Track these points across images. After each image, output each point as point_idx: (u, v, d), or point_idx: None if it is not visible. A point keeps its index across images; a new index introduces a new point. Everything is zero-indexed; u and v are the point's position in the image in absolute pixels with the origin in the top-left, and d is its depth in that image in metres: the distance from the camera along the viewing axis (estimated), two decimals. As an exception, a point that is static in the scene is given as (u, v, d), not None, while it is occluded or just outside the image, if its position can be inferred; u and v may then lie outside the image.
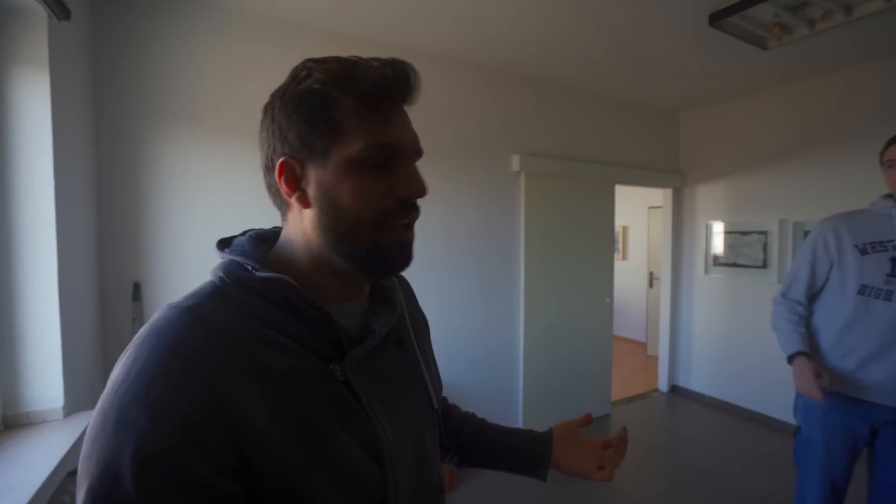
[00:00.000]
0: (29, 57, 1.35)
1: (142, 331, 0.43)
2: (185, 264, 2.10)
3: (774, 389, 3.37)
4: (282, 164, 0.50)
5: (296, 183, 0.50)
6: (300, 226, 0.51)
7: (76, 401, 1.54)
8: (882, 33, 2.49)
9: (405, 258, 0.52)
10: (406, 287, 0.73)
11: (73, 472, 1.35)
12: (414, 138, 0.53)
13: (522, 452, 0.75)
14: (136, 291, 2.02)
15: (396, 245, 0.51)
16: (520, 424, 3.17)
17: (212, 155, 2.16)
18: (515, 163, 3.06)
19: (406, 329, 0.62)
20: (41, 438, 1.34)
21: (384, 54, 0.52)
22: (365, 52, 0.54)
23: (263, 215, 1.73)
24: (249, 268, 0.49)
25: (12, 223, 1.35)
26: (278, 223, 0.58)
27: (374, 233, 0.49)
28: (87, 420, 1.47)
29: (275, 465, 0.41)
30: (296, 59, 0.53)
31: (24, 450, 1.27)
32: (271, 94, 0.52)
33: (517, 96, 3.12)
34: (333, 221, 0.49)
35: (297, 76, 0.50)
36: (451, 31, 2.48)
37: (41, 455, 1.24)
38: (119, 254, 1.99)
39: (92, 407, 1.57)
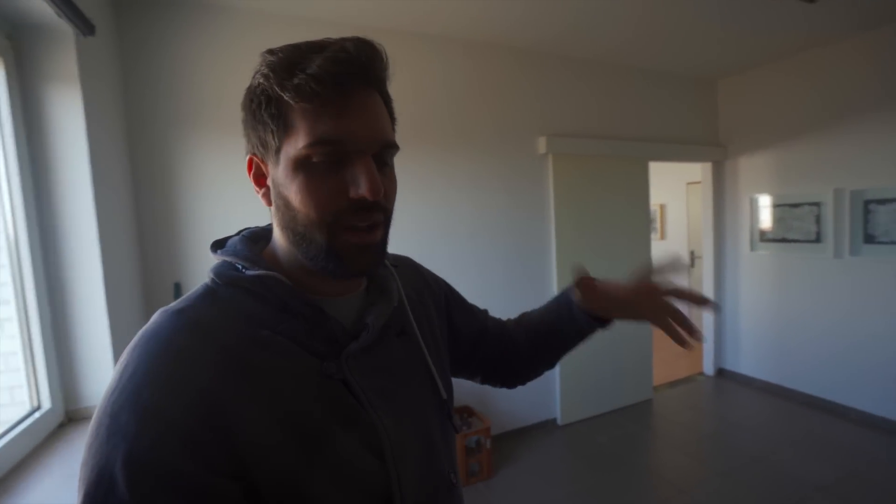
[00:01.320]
0: (60, 74, 1.41)
1: (135, 336, 0.43)
2: (221, 264, 2.17)
3: (832, 370, 3.16)
4: (249, 161, 0.50)
5: (263, 180, 0.49)
6: (273, 223, 0.51)
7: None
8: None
9: (367, 261, 0.48)
10: (409, 271, 0.69)
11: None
12: (373, 128, 0.46)
13: (557, 315, 0.77)
14: (177, 291, 2.12)
15: (354, 248, 0.47)
16: (557, 412, 3.13)
17: (243, 156, 2.21)
18: (542, 145, 2.97)
19: (407, 318, 0.59)
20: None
21: (406, 43, 0.48)
22: (388, 43, 0.50)
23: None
24: (240, 267, 0.49)
25: (59, 233, 1.43)
26: None
27: (328, 235, 0.46)
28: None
29: (271, 467, 0.40)
30: None
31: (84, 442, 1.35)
32: None
33: (541, 76, 3.01)
34: (288, 220, 0.47)
35: (254, 70, 0.47)
36: (470, 14, 2.42)
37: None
38: (160, 256, 2.09)
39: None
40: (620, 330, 3.30)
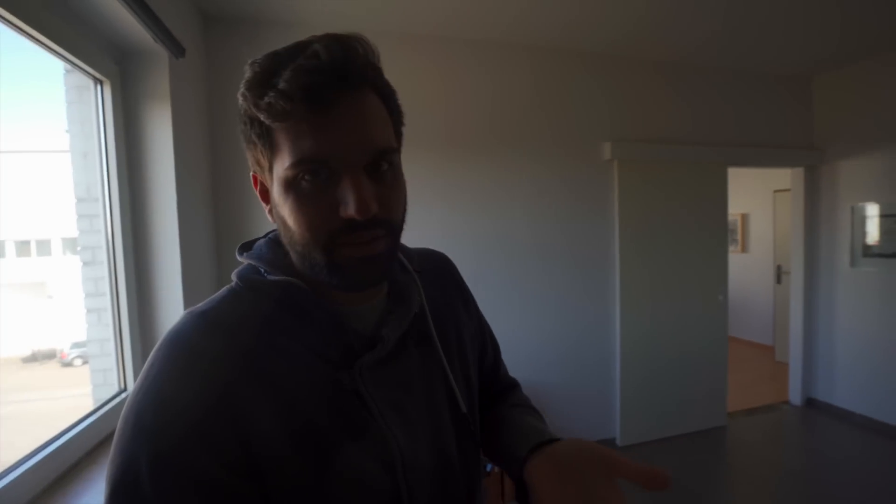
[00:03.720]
0: (154, 93, 1.58)
1: (161, 337, 0.45)
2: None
3: (955, 411, 2.70)
4: (253, 178, 0.50)
5: (267, 196, 0.48)
6: None
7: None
8: None
9: (372, 273, 0.46)
10: (436, 275, 0.63)
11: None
12: (360, 139, 0.42)
13: (507, 456, 0.55)
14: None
15: (356, 262, 0.44)
16: (617, 431, 2.96)
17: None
18: (607, 151, 2.84)
19: (428, 326, 0.55)
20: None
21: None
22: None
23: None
24: (262, 271, 0.48)
25: (147, 234, 1.60)
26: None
27: (327, 253, 0.44)
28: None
29: (281, 475, 0.41)
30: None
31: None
32: None
33: (606, 80, 2.89)
34: (288, 239, 0.46)
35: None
36: (533, 19, 2.38)
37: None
38: (233, 258, 2.26)
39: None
40: (691, 343, 3.07)
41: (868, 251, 3.14)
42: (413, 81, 2.46)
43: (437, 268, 0.65)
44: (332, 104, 0.41)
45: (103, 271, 1.53)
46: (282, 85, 0.40)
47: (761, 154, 3.25)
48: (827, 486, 2.49)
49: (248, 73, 0.43)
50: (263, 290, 0.47)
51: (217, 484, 0.38)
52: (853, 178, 3.23)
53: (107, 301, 1.53)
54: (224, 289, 0.50)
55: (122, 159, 1.52)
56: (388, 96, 0.47)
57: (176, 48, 1.53)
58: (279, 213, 0.46)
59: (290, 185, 0.43)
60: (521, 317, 2.73)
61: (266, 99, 0.40)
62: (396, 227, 0.47)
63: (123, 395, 1.50)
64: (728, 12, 2.36)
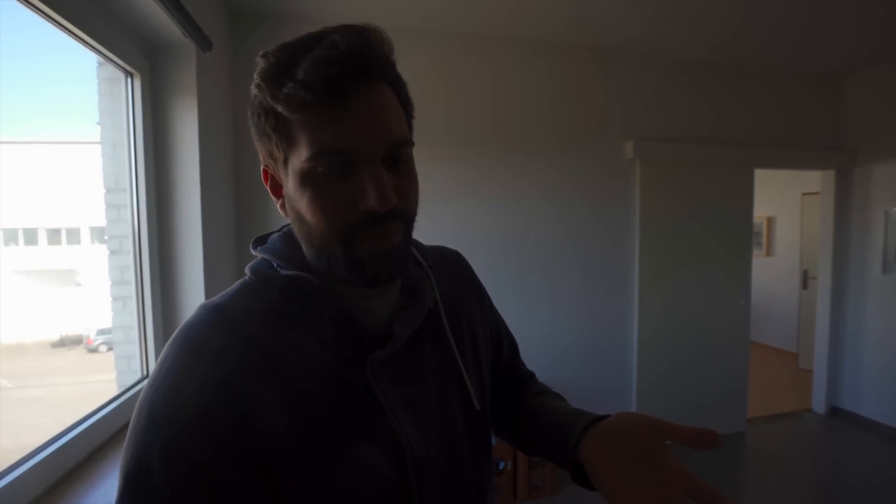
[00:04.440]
0: (182, 86, 1.60)
1: (177, 330, 0.45)
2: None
3: None
4: (264, 172, 0.49)
5: (280, 190, 0.48)
6: None
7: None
8: None
9: (390, 266, 0.45)
10: (450, 271, 0.63)
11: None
12: (379, 131, 0.42)
13: (555, 442, 0.55)
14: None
15: (374, 256, 0.44)
16: (632, 434, 2.92)
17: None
18: (629, 150, 2.79)
19: (441, 322, 0.55)
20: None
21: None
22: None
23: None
24: (276, 265, 0.48)
25: (171, 225, 1.63)
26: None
27: (344, 246, 0.43)
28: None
29: (290, 467, 0.41)
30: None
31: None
32: None
33: (628, 77, 2.83)
34: (304, 234, 0.46)
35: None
36: (557, 17, 2.35)
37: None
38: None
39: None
40: (710, 346, 3.01)
41: (901, 258, 3.02)
42: (434, 78, 2.45)
43: (451, 264, 0.65)
44: (351, 96, 0.41)
45: (129, 260, 1.56)
46: (301, 75, 0.39)
47: (789, 155, 3.15)
48: (850, 496, 2.42)
49: (262, 64, 0.42)
50: (275, 285, 0.47)
51: (225, 476, 0.38)
52: (887, 181, 3.11)
53: (132, 289, 1.57)
54: (238, 282, 0.50)
55: (149, 151, 1.55)
56: (400, 89, 0.47)
57: (204, 42, 1.55)
58: (294, 208, 0.45)
59: (307, 178, 0.42)
60: (537, 317, 2.71)
61: (285, 90, 0.39)
62: (411, 220, 0.47)
63: (145, 382, 1.54)
64: (752, 7, 2.28)
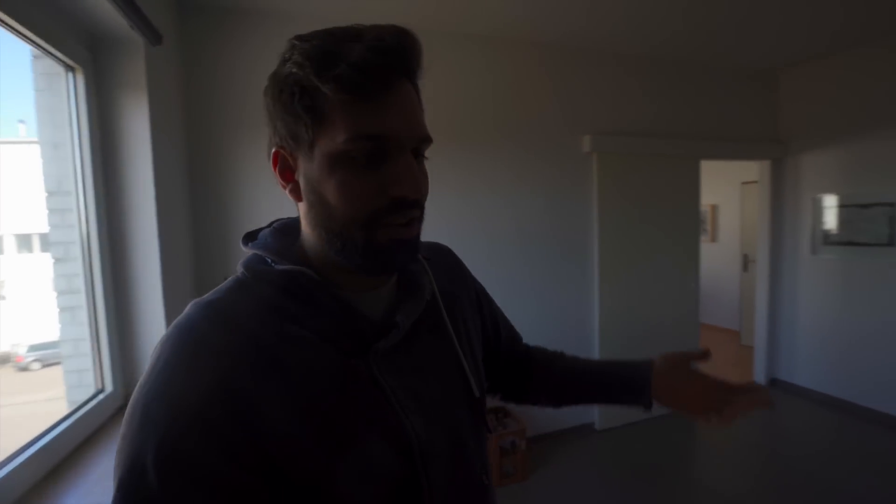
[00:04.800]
0: (130, 81, 1.51)
1: (169, 327, 0.44)
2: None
3: (904, 387, 2.91)
4: (275, 155, 0.48)
5: (291, 174, 0.47)
6: (301, 219, 0.50)
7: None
8: None
9: (405, 257, 0.47)
10: (444, 264, 0.65)
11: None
12: (412, 124, 0.45)
13: (619, 387, 0.69)
14: (229, 285, 2.23)
15: (393, 244, 0.45)
16: (596, 416, 3.06)
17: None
18: (586, 144, 2.90)
19: (439, 313, 0.57)
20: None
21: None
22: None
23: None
24: (269, 261, 0.48)
25: (124, 228, 1.54)
26: None
27: (366, 232, 0.44)
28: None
29: (298, 463, 0.40)
30: None
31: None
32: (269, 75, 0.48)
33: (582, 73, 2.93)
34: (323, 218, 0.46)
35: (282, 58, 0.45)
36: (513, 13, 2.39)
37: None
38: (213, 251, 2.21)
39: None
40: (664, 326, 3.18)
41: (828, 239, 3.32)
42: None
43: (444, 258, 0.67)
44: (393, 87, 0.43)
45: (77, 268, 1.46)
46: (356, 59, 0.40)
47: (731, 147, 3.38)
48: (787, 457, 2.65)
49: (303, 46, 0.43)
50: (271, 280, 0.47)
51: (223, 478, 0.37)
52: (814, 170, 3.40)
53: (81, 299, 1.47)
54: (230, 279, 0.49)
55: (96, 151, 1.45)
56: (419, 93, 0.49)
57: (153, 35, 1.47)
58: (316, 190, 0.45)
59: (339, 161, 0.43)
60: (505, 302, 2.75)
61: (337, 70, 0.40)
62: (423, 212, 0.49)
63: (102, 396, 1.45)
64: (700, 7, 2.42)
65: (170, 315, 1.66)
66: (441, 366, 0.55)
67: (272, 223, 0.55)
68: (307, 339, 0.44)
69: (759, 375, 3.74)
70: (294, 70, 0.42)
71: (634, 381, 0.67)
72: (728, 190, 5.29)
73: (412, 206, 0.45)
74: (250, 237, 0.53)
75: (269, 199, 2.26)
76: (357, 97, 0.42)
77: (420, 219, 0.48)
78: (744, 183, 5.02)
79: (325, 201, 0.45)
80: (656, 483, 2.46)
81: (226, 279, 0.49)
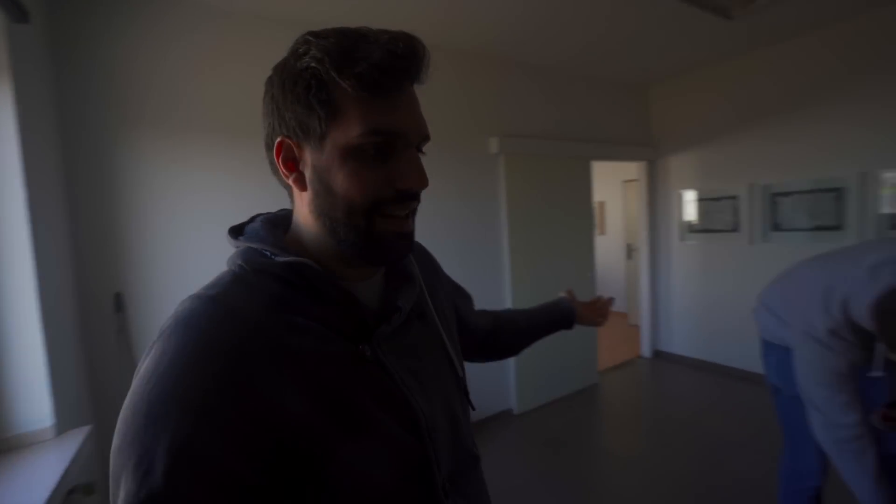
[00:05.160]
0: (-14, 63, 1.27)
1: (168, 323, 0.42)
2: (169, 271, 2.04)
3: (748, 344, 3.55)
4: (279, 144, 0.48)
5: (294, 164, 0.49)
6: (302, 209, 0.51)
7: (66, 418, 1.50)
8: (837, -2, 2.58)
9: (402, 247, 0.51)
10: (425, 260, 0.71)
11: (73, 491, 1.33)
12: (419, 122, 0.50)
13: (558, 317, 0.95)
14: (118, 302, 1.96)
15: (393, 235, 0.49)
16: (514, 402, 3.26)
17: (189, 155, 2.09)
18: (494, 145, 3.07)
19: (426, 301, 0.61)
20: (36, 459, 1.31)
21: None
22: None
23: (248, 215, 1.70)
24: (268, 254, 0.48)
25: (-15, 240, 1.29)
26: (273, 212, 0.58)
27: (370, 222, 0.47)
28: (80, 437, 1.42)
29: (314, 448, 0.41)
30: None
31: (21, 472, 1.24)
32: (273, 67, 0.49)
33: (489, 79, 3.11)
34: (328, 207, 0.48)
35: (295, 51, 0.46)
36: (430, 19, 2.45)
37: (39, 476, 1.21)
38: (99, 264, 1.92)
39: (83, 423, 1.54)
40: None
41: (691, 228, 3.93)
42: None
43: (420, 252, 0.71)
44: (405, 88, 0.48)
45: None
46: (377, 58, 0.43)
47: (615, 150, 3.82)
48: (671, 414, 3.10)
49: (320, 43, 0.45)
50: (273, 272, 0.47)
51: (236, 479, 0.37)
52: (679, 170, 4.00)
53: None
54: (225, 273, 0.48)
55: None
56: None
57: (17, 10, 1.25)
58: (323, 179, 0.47)
59: (352, 152, 0.46)
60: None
61: (358, 68, 0.43)
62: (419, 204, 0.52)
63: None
64: (586, 29, 2.73)
65: (50, 345, 1.43)
66: (430, 348, 0.59)
67: (254, 217, 0.55)
68: (314, 328, 0.45)
69: (646, 348, 4.29)
70: (313, 64, 0.44)
71: (565, 315, 0.95)
72: (612, 188, 5.95)
73: (414, 198, 0.49)
74: (237, 231, 0.53)
75: (164, 203, 2.04)
76: (373, 95, 0.45)
77: (415, 212, 0.52)
78: (625, 181, 5.69)
79: (332, 190, 0.47)
80: (569, 455, 2.71)
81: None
